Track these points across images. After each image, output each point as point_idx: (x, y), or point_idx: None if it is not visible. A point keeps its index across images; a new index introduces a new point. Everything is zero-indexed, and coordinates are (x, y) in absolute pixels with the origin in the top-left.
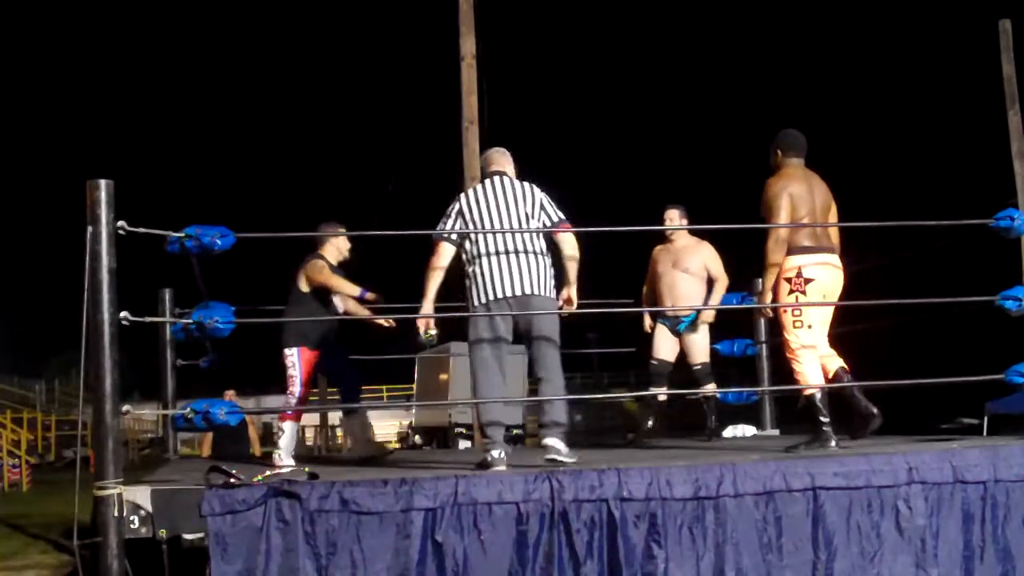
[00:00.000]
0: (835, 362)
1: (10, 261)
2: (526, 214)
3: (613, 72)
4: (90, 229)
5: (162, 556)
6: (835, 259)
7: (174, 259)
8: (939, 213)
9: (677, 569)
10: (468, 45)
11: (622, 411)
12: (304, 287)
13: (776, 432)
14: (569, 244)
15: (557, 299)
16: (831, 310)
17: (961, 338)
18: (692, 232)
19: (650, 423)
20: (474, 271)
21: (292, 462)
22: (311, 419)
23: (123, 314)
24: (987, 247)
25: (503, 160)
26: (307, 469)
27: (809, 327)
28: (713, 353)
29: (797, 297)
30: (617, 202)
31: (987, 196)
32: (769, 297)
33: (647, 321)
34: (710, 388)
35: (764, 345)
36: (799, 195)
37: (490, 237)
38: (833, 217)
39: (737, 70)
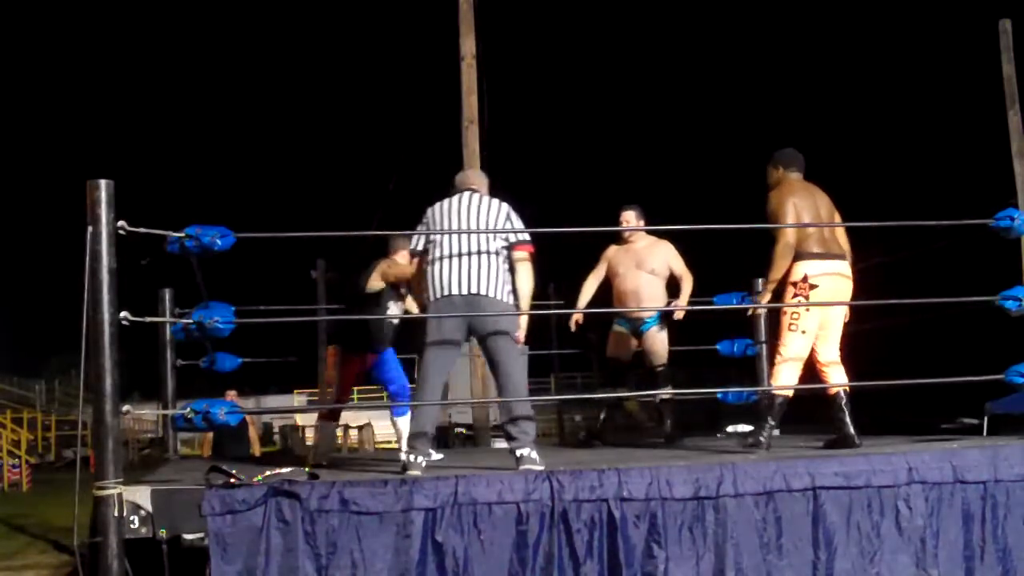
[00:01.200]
0: (838, 377)
1: (10, 261)
2: (488, 223)
3: (613, 72)
4: (90, 229)
5: (162, 556)
6: (844, 267)
7: (174, 259)
8: (939, 213)
9: (677, 569)
10: (468, 45)
11: (623, 410)
12: (375, 284)
13: (776, 432)
14: (524, 277)
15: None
16: (835, 320)
17: (961, 338)
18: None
19: (602, 418)
20: (430, 272)
21: (323, 461)
22: (310, 419)
23: (123, 314)
24: (987, 247)
25: (479, 180)
26: (307, 469)
27: (803, 332)
28: (713, 353)
29: (800, 301)
30: (616, 201)
31: (987, 196)
32: (767, 298)
33: (575, 318)
34: (667, 390)
35: (764, 345)
36: (803, 204)
37: (446, 240)
38: (833, 219)
39: (737, 70)
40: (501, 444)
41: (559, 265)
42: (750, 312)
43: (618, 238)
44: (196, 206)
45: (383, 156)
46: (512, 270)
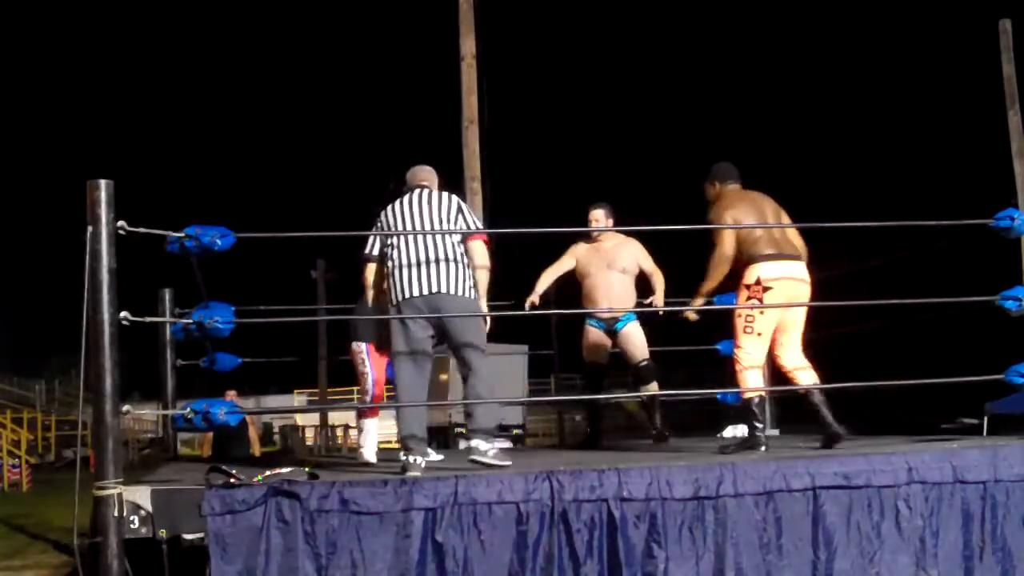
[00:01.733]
0: (808, 377)
1: (10, 261)
2: (441, 219)
3: (612, 71)
4: (90, 229)
5: (162, 556)
6: (798, 267)
7: (174, 259)
8: (939, 213)
9: (677, 569)
10: (468, 45)
11: (623, 410)
12: None
13: (776, 432)
14: (479, 253)
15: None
16: (794, 323)
17: (961, 338)
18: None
19: (589, 430)
20: (388, 276)
21: (375, 459)
22: (310, 419)
23: (123, 314)
24: (987, 247)
25: (428, 176)
26: (307, 469)
27: (759, 335)
28: (713, 353)
29: (754, 303)
30: (616, 200)
31: (987, 196)
32: (699, 301)
33: (530, 300)
34: (653, 387)
35: None
36: (742, 212)
37: (404, 243)
38: (781, 221)
39: (737, 70)
40: (499, 443)
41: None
42: (684, 314)
43: (586, 237)
44: (196, 206)
45: (383, 156)
46: (471, 263)
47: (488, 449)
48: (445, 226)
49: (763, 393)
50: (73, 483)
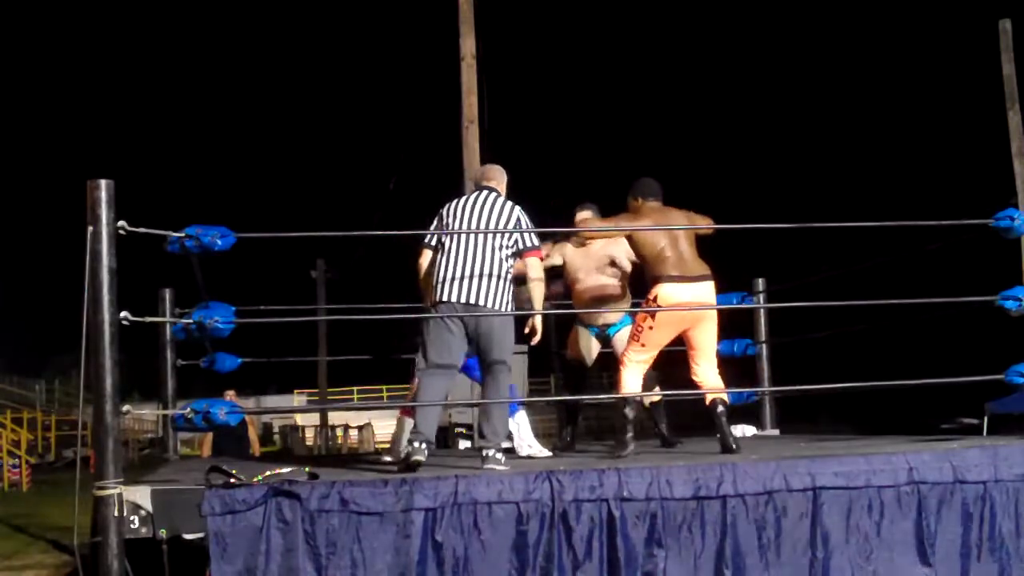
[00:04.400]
0: (717, 384)
1: (10, 261)
2: (498, 227)
3: (612, 71)
4: (90, 229)
5: (162, 556)
6: (702, 289)
7: (174, 259)
8: (939, 213)
9: (676, 569)
10: (468, 45)
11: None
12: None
13: (776, 432)
14: (534, 268)
15: (513, 319)
16: (705, 339)
17: (961, 338)
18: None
19: (568, 432)
20: (436, 275)
21: (394, 456)
22: (310, 419)
23: (123, 314)
24: (987, 247)
25: (498, 177)
26: (307, 469)
27: (643, 345)
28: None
29: (646, 318)
30: (617, 202)
31: (987, 196)
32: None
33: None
34: (655, 392)
35: (764, 345)
36: (651, 233)
37: (453, 242)
38: (693, 243)
39: (737, 70)
40: (540, 452)
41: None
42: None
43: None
44: (196, 206)
45: (383, 156)
46: (518, 277)
47: (502, 458)
48: (499, 236)
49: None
50: (73, 483)
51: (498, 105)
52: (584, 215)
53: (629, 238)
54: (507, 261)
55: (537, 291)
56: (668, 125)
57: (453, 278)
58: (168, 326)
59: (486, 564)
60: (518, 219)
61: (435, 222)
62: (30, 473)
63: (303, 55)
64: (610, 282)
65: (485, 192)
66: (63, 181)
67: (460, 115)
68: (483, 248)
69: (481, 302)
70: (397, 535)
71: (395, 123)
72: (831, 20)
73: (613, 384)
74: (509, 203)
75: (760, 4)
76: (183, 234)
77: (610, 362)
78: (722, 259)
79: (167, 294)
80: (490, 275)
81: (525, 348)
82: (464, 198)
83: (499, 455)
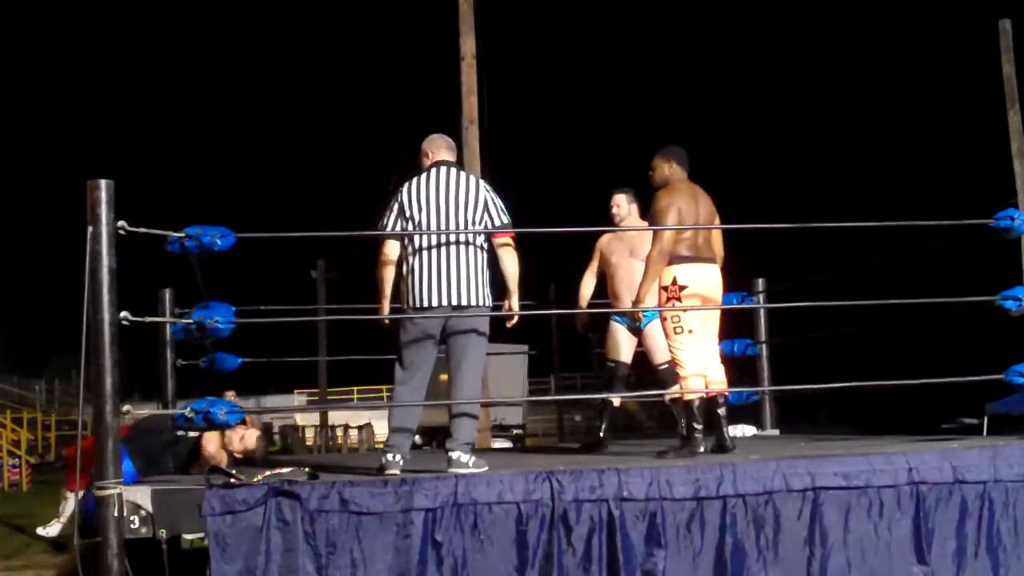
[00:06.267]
0: (719, 376)
1: (10, 261)
2: (468, 217)
3: (612, 70)
4: (90, 229)
5: (162, 556)
6: (713, 270)
7: (174, 259)
8: (939, 213)
9: (676, 569)
10: (468, 45)
11: (624, 411)
12: None
13: (776, 432)
14: (509, 257)
15: (493, 303)
16: (709, 323)
17: (961, 338)
18: (642, 215)
19: (603, 429)
20: (408, 272)
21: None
22: (310, 419)
23: (123, 314)
24: (987, 247)
25: (447, 149)
26: (307, 469)
27: (691, 332)
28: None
29: (674, 304)
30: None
31: (987, 196)
32: (649, 301)
33: (581, 319)
34: (676, 389)
35: (764, 345)
36: (686, 209)
37: (425, 239)
38: (716, 231)
39: (739, 69)
40: (499, 443)
41: (558, 266)
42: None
43: (609, 224)
44: (196, 206)
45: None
46: (494, 256)
47: (468, 460)
48: (471, 215)
49: (703, 395)
50: None
51: (498, 105)
52: (619, 198)
53: (656, 213)
54: (483, 245)
55: (512, 268)
56: (668, 124)
57: (431, 279)
58: (168, 326)
59: (486, 564)
60: (486, 196)
61: (395, 209)
62: (30, 473)
63: (303, 55)
64: (641, 268)
65: (444, 169)
66: (63, 181)
67: (460, 115)
68: (459, 240)
69: (464, 302)
70: (397, 535)
71: (395, 123)
72: (832, 20)
73: (643, 383)
74: (472, 178)
75: (760, 4)
76: (183, 234)
77: (641, 360)
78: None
79: (167, 294)
80: (470, 270)
81: (526, 348)
82: (423, 179)
83: (466, 457)
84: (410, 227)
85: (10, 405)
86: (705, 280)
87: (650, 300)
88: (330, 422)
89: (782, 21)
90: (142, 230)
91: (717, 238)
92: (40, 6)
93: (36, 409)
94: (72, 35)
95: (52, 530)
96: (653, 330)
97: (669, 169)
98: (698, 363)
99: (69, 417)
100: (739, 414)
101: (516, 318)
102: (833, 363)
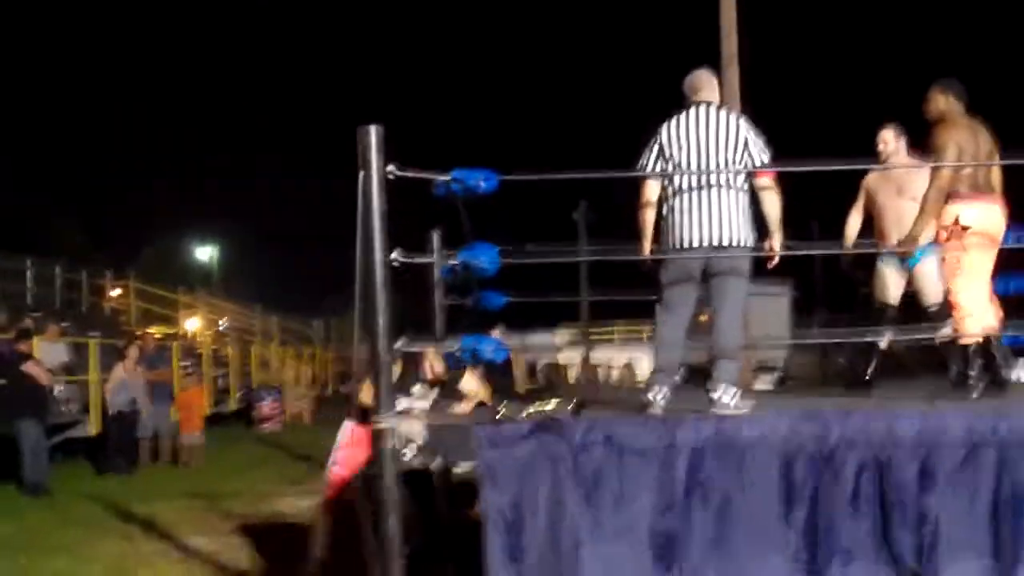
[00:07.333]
0: (993, 317)
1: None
2: (727, 155)
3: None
4: (361, 174)
5: (434, 487)
6: (995, 210)
7: (441, 202)
8: None
9: (950, 513)
10: None
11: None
12: None
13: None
14: (770, 196)
15: (755, 243)
16: (992, 255)
17: None
18: (912, 151)
19: (870, 371)
20: (667, 212)
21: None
22: (574, 357)
23: (394, 255)
24: None
25: (709, 86)
26: (571, 406)
27: (969, 273)
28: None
29: (955, 244)
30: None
31: None
32: (924, 241)
33: (844, 259)
34: (947, 331)
35: None
36: (966, 145)
37: (685, 178)
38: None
39: None
40: (762, 384)
41: (821, 204)
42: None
43: (876, 163)
44: (462, 149)
45: (641, 95)
46: (755, 196)
47: (731, 400)
48: (731, 154)
49: (985, 337)
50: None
51: (759, 42)
52: (885, 134)
53: (934, 149)
54: (743, 187)
55: (773, 208)
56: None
57: (691, 218)
58: (436, 266)
59: (750, 504)
60: (746, 134)
61: (654, 149)
62: (311, 406)
63: None
64: (910, 207)
65: (703, 108)
66: (329, 128)
67: (719, 55)
68: (719, 179)
69: (725, 242)
70: (661, 472)
71: (655, 62)
72: None
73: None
74: (732, 115)
75: None
76: (449, 177)
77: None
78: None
79: (435, 236)
80: (730, 209)
81: (789, 288)
82: (682, 119)
83: (728, 397)
84: (669, 167)
85: (293, 343)
86: (987, 220)
87: (922, 240)
88: (592, 360)
89: None
90: (410, 174)
91: (996, 174)
92: None
93: (315, 346)
94: None
95: None
96: (923, 270)
97: (945, 102)
98: (976, 305)
99: (344, 354)
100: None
101: (777, 258)
102: None
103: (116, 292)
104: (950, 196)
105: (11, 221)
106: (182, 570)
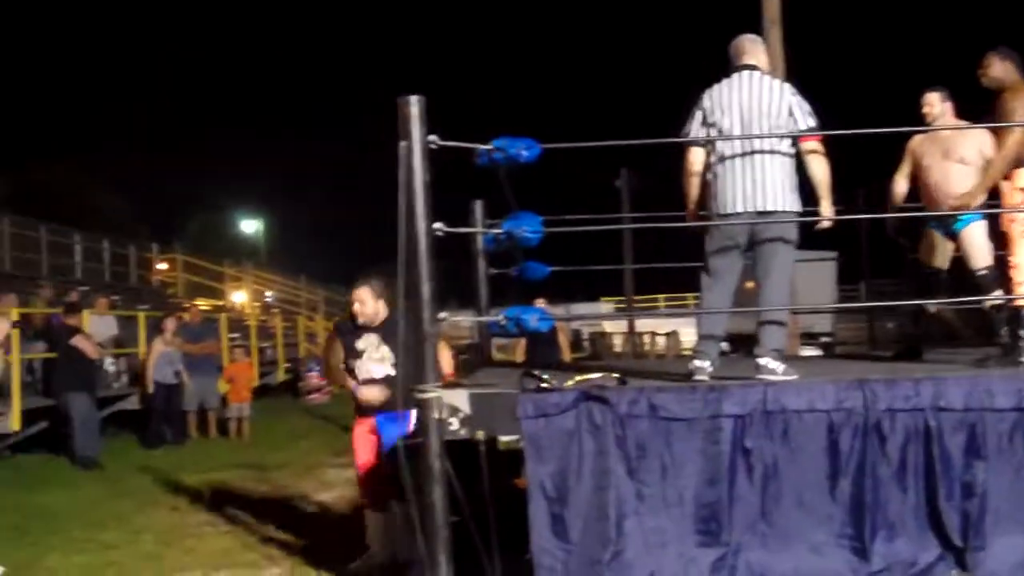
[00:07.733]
0: None
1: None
2: (772, 121)
3: None
4: (403, 144)
5: (479, 456)
6: None
7: (484, 171)
8: None
9: (998, 482)
10: None
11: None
12: None
13: None
14: (816, 162)
15: (801, 211)
16: None
17: None
18: (958, 114)
19: (918, 337)
20: (712, 179)
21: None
22: (619, 326)
23: (437, 225)
24: None
25: (754, 50)
26: (616, 375)
27: None
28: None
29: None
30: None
31: None
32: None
33: (892, 225)
34: (998, 295)
35: None
36: None
37: (729, 145)
38: None
39: None
40: (808, 351)
41: (867, 170)
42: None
43: (922, 126)
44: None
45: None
46: (801, 162)
47: (777, 367)
48: (775, 120)
49: None
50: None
51: (801, 5)
52: (931, 97)
53: (1006, 114)
54: (789, 149)
55: (821, 172)
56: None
57: (736, 185)
58: (480, 236)
59: (797, 472)
60: (790, 100)
61: (698, 116)
62: None
63: None
64: (956, 171)
65: (747, 74)
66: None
67: (761, 17)
68: (763, 145)
69: (770, 207)
70: (706, 441)
71: (696, 26)
72: None
73: (961, 289)
74: (776, 82)
75: None
76: (491, 147)
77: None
78: None
79: (478, 206)
80: (776, 175)
81: (835, 255)
82: (727, 85)
83: (775, 364)
84: (713, 133)
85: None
86: None
87: (973, 204)
88: (637, 329)
89: None
90: (452, 144)
91: None
92: None
93: None
94: None
95: None
96: (970, 234)
97: (1004, 69)
98: None
99: None
100: None
101: (825, 223)
102: None
103: (163, 266)
104: (1022, 161)
105: (59, 195)
106: (230, 540)
